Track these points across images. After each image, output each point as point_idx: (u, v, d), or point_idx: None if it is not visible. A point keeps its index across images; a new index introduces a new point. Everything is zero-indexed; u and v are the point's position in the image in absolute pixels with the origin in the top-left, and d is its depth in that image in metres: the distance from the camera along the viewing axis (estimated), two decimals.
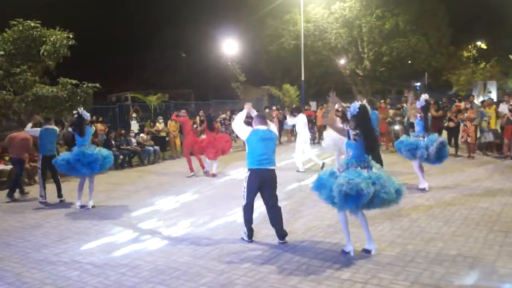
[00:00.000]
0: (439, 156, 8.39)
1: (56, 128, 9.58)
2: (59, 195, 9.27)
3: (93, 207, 8.48)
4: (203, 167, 11.75)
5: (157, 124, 16.46)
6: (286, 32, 31.35)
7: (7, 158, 11.47)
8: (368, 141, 5.29)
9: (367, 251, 5.34)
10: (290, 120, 12.10)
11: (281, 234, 5.91)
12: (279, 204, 6.00)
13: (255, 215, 6.17)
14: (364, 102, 5.64)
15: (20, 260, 5.68)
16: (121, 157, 13.89)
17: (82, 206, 8.48)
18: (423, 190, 8.58)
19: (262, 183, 5.89)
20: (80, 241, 6.37)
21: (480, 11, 35.93)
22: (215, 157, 11.42)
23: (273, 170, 5.97)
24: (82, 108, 8.93)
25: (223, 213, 7.50)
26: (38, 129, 9.42)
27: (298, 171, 11.32)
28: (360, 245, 5.49)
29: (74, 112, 8.82)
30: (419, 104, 8.75)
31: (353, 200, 4.94)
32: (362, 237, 5.56)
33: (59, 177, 9.39)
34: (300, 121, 11.52)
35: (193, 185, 10.39)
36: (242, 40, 32.12)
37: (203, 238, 6.25)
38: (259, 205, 7.37)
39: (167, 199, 9.02)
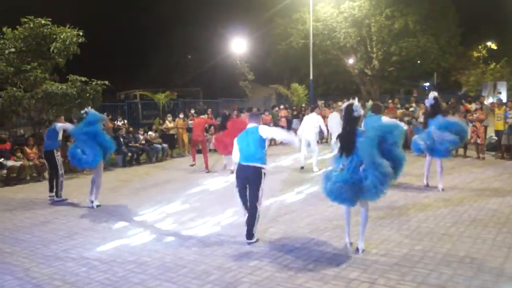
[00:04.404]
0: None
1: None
2: (57, 193, 8.97)
3: (98, 206, 8.33)
4: (206, 168, 12.13)
5: (167, 122, 16.52)
6: (295, 31, 31.31)
7: (19, 154, 11.59)
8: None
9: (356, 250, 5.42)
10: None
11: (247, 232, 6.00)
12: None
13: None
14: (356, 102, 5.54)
15: (29, 256, 5.73)
16: (129, 154, 13.96)
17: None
18: (426, 186, 8.69)
19: (243, 179, 6.03)
20: (88, 238, 6.41)
21: (490, 12, 35.69)
22: (224, 153, 11.37)
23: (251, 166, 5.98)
24: (90, 107, 8.95)
25: (231, 211, 7.50)
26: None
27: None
28: (367, 244, 5.49)
29: (82, 111, 8.83)
30: (428, 102, 8.77)
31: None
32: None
33: (60, 175, 9.04)
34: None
35: (201, 182, 10.41)
36: (251, 39, 32.12)
37: (211, 236, 6.26)
38: (271, 204, 7.40)
39: (175, 196, 9.03)
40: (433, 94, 8.73)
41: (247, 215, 5.97)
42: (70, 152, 8.53)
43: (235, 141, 6.19)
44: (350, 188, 5.07)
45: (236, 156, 6.13)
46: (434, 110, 8.57)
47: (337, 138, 5.48)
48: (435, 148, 8.31)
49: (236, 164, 6.19)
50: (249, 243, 5.88)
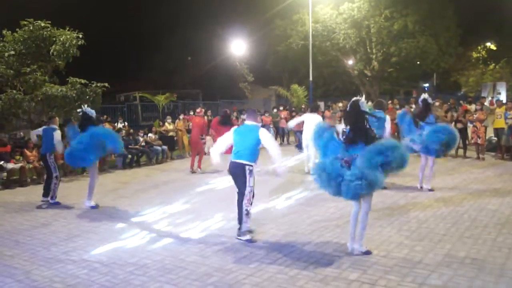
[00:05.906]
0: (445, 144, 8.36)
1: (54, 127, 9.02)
2: (49, 195, 8.75)
3: (93, 207, 8.37)
4: (199, 166, 12.33)
5: (166, 124, 16.53)
6: (295, 33, 31.34)
7: (17, 157, 11.59)
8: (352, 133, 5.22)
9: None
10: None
11: (238, 228, 6.09)
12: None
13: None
14: (363, 99, 5.50)
15: (30, 258, 5.72)
16: (129, 156, 13.97)
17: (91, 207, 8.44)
18: (420, 189, 8.68)
19: (232, 174, 6.15)
20: (89, 240, 6.41)
21: (489, 12, 35.70)
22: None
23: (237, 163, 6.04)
24: (86, 105, 8.88)
25: (231, 213, 7.48)
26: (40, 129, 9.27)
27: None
28: (367, 244, 5.49)
29: (79, 110, 8.76)
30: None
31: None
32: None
33: (54, 177, 8.82)
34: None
35: (201, 184, 10.41)
36: (250, 41, 32.14)
37: (211, 238, 6.26)
38: (272, 205, 7.38)
39: (175, 197, 9.02)
40: (422, 96, 8.96)
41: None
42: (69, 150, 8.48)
43: (232, 132, 6.23)
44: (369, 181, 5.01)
45: (218, 145, 6.28)
46: (424, 111, 8.72)
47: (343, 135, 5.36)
48: (428, 147, 8.41)
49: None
50: (237, 238, 6.01)
